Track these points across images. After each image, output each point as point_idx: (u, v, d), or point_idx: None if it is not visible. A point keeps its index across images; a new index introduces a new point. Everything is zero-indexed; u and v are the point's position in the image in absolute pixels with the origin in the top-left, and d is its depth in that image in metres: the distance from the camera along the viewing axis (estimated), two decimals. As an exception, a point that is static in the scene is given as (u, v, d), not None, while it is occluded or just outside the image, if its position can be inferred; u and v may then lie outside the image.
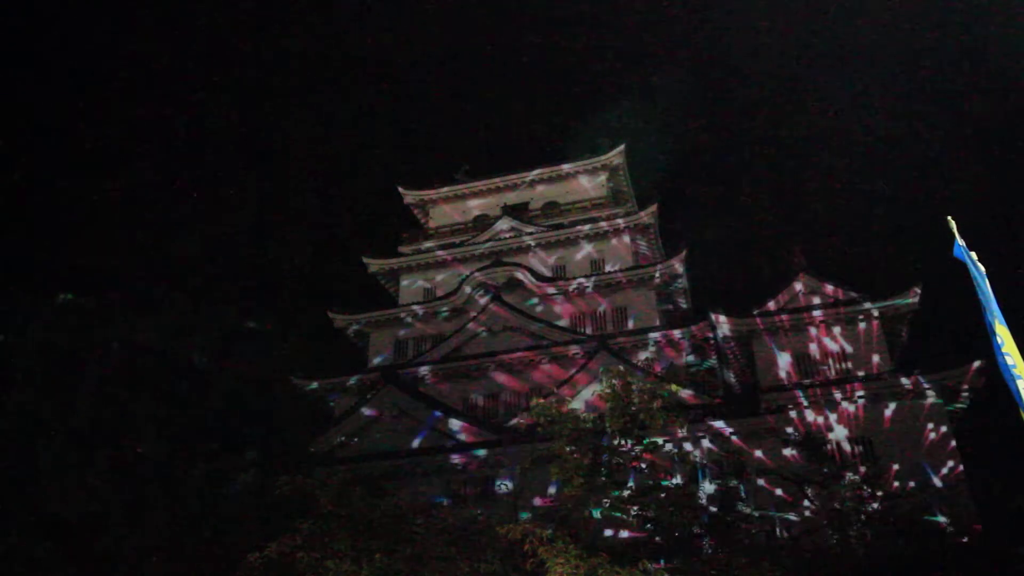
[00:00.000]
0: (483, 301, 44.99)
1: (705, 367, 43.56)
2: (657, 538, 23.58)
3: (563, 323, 44.12)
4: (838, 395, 34.78)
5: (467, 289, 46.24)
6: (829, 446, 33.59)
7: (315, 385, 43.91)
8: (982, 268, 10.06)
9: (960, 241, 10.33)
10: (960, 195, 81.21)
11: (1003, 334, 9.39)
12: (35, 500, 23.98)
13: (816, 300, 38.73)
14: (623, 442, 23.81)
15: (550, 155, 54.60)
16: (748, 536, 27.19)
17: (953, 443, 33.21)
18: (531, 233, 48.92)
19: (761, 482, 31.54)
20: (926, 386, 34.19)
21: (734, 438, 34.39)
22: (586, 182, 52.36)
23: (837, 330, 37.23)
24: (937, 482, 30.34)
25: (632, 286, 44.55)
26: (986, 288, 9.79)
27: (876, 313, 37.06)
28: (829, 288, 38.87)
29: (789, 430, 33.62)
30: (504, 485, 33.78)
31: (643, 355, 39.60)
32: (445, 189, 54.28)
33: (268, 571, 19.42)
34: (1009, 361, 9.14)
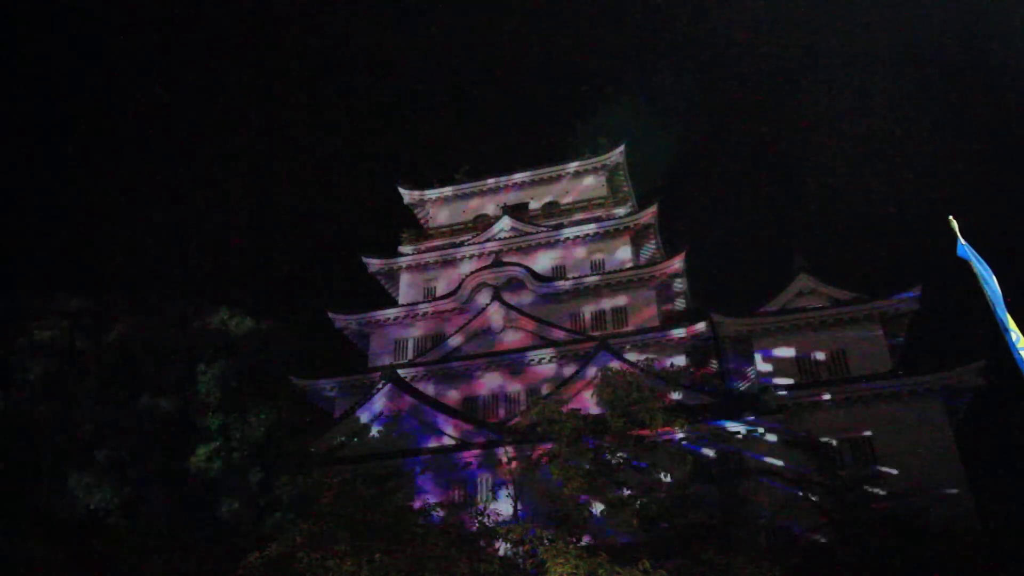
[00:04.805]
0: (483, 301, 44.98)
1: (705, 367, 43.56)
2: (657, 538, 23.59)
3: (563, 323, 44.09)
4: (838, 395, 34.75)
5: (467, 289, 46.24)
6: (829, 446, 33.60)
7: (315, 385, 43.89)
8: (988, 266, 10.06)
9: (963, 241, 10.33)
10: (960, 195, 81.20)
11: (1017, 330, 9.40)
12: (35, 500, 23.93)
13: (816, 300, 38.73)
14: (623, 442, 23.85)
15: (550, 155, 54.61)
16: (748, 536, 27.21)
17: (953, 443, 33.18)
18: (531, 233, 48.89)
19: (761, 482, 31.51)
20: (926, 386, 34.14)
21: (734, 438, 34.35)
22: (586, 182, 52.34)
23: (837, 330, 37.20)
24: (937, 482, 30.30)
25: (632, 286, 44.52)
26: (995, 286, 9.78)
27: (876, 313, 37.05)
28: (829, 288, 38.86)
29: (789, 430, 33.62)
30: (504, 485, 33.74)
31: (643, 355, 39.54)
32: (445, 189, 54.26)
33: (268, 571, 19.42)
34: (1026, 355, 9.15)
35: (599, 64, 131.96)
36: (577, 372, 38.66)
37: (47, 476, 24.50)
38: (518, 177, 53.22)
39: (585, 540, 20.68)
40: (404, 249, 51.43)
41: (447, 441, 37.69)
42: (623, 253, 47.13)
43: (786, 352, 37.41)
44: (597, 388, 30.18)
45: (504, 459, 34.78)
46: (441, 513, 28.06)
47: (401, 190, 54.66)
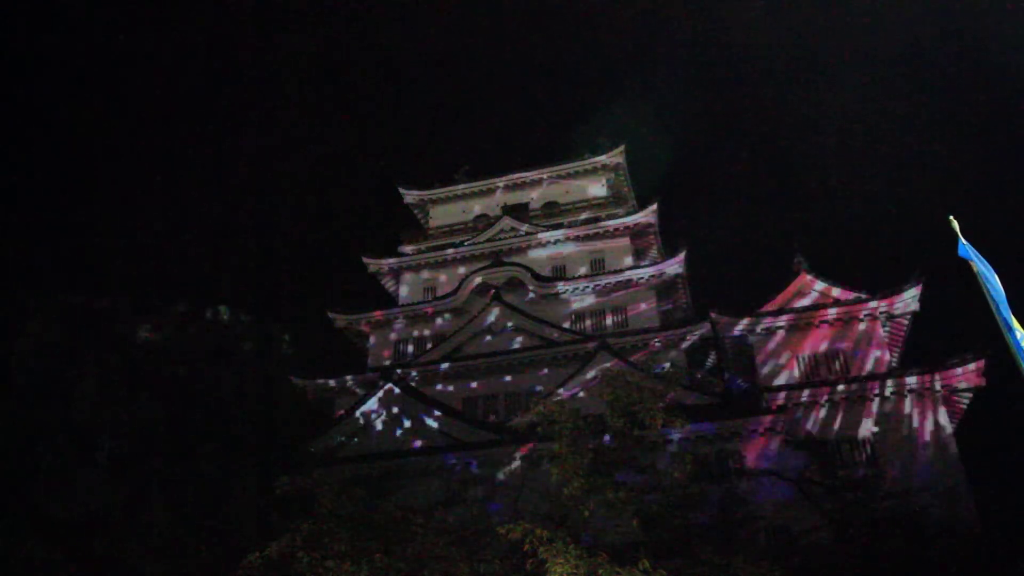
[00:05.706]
0: (483, 301, 44.96)
1: (705, 367, 43.53)
2: (657, 538, 23.54)
3: (563, 323, 44.08)
4: (838, 395, 34.75)
5: (467, 289, 46.22)
6: (829, 446, 33.59)
7: (315, 385, 43.88)
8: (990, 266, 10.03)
9: (963, 240, 10.31)
10: (960, 195, 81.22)
11: (1021, 327, 9.39)
12: (35, 500, 23.95)
13: (816, 300, 38.71)
14: (623, 442, 23.83)
15: (550, 155, 54.57)
16: (748, 536, 27.20)
17: (953, 443, 33.21)
18: (531, 233, 48.90)
19: (761, 482, 31.51)
20: (927, 385, 34.16)
21: (734, 438, 34.32)
22: (586, 182, 52.32)
23: (837, 329, 37.19)
24: (937, 482, 30.30)
25: (632, 286, 44.52)
26: (997, 285, 9.76)
27: (876, 312, 37.04)
28: (829, 287, 38.84)
29: (789, 430, 33.61)
30: (504, 485, 33.74)
31: (643, 355, 39.54)
32: (445, 189, 54.24)
33: (268, 571, 19.42)
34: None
35: (599, 64, 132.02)
36: (577, 372, 38.64)
37: (47, 476, 24.53)
38: (518, 177, 53.20)
39: (585, 540, 20.64)
40: (404, 249, 51.43)
41: (447, 441, 37.67)
42: (623, 253, 47.13)
43: (786, 351, 37.41)
44: (597, 388, 30.17)
45: (504, 459, 34.83)
46: (441, 513, 28.03)
47: (401, 190, 54.63)
